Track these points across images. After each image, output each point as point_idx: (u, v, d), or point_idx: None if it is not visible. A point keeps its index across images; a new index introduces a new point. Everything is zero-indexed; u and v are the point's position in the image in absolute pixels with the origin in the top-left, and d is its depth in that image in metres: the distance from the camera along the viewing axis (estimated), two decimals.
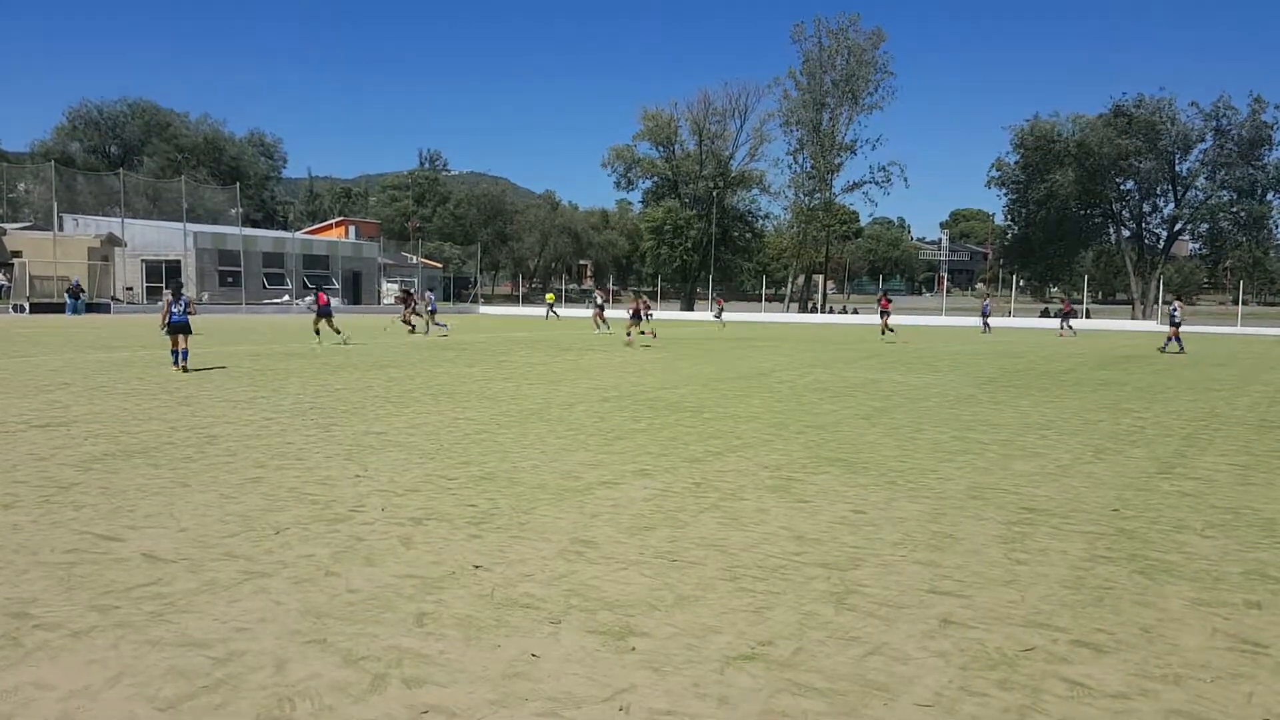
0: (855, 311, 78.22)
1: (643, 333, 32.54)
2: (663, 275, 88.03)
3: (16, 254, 57.77)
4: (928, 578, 5.89)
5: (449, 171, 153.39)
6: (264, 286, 67.69)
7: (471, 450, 9.94)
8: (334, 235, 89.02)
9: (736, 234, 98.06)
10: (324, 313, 26.96)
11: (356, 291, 73.72)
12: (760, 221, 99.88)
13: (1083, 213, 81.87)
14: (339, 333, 27.82)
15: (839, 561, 6.18)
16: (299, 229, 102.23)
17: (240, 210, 75.37)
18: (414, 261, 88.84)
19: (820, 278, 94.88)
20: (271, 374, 17.98)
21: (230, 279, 63.68)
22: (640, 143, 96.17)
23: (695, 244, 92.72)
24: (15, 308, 46.83)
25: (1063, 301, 48.19)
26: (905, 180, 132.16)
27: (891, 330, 36.54)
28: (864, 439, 10.95)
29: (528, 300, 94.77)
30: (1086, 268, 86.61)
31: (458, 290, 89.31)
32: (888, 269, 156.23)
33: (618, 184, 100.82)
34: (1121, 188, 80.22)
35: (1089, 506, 7.76)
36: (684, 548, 6.41)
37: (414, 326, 36.23)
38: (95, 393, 14.49)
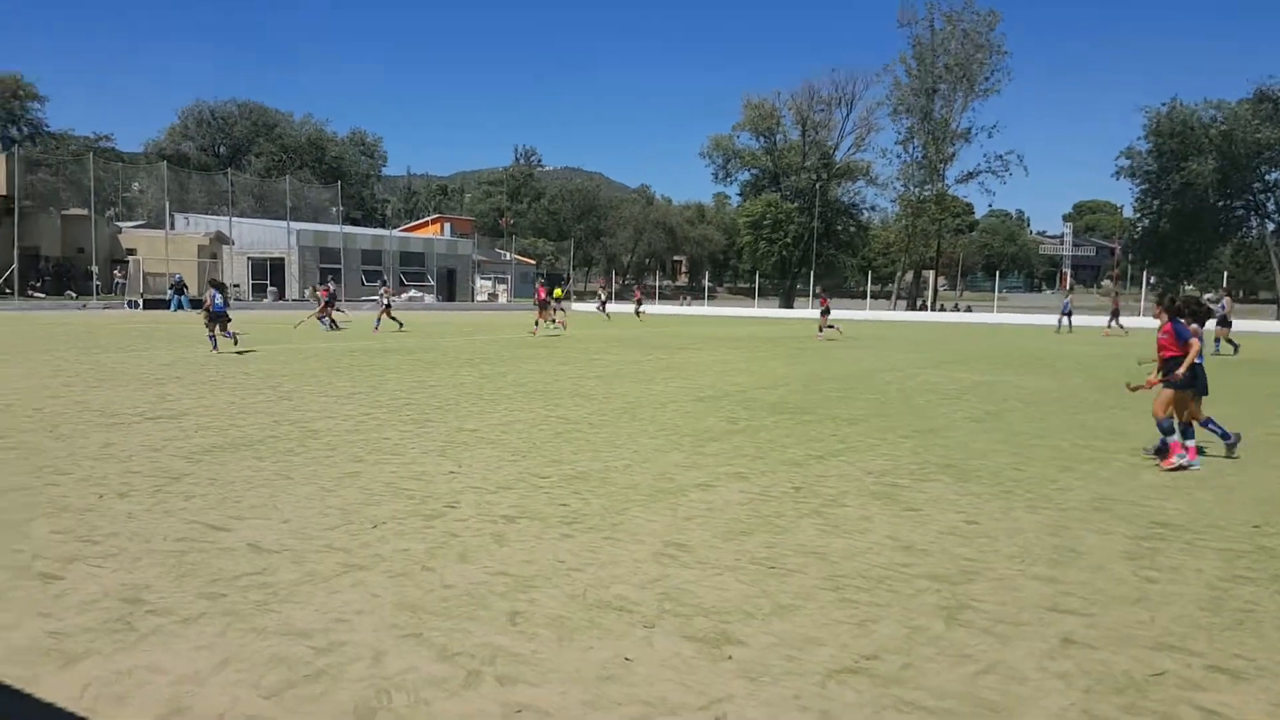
0: (968, 309, 76.05)
1: (638, 314, 32.01)
2: (760, 270, 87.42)
3: (131, 251, 60.46)
4: (1048, 594, 5.71)
5: (543, 167, 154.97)
6: (362, 284, 69.42)
7: (563, 449, 10.03)
8: (430, 232, 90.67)
9: (840, 227, 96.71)
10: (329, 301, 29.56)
11: (451, 288, 75.04)
12: (865, 214, 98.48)
13: (1222, 204, 78.16)
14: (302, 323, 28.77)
15: (950, 574, 6.04)
16: (396, 226, 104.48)
17: (341, 209, 77.41)
18: (507, 258, 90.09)
19: (930, 273, 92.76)
20: (369, 370, 18.43)
21: (330, 276, 65.40)
22: (741, 133, 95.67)
23: (796, 238, 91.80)
24: (130, 303, 48.87)
25: (1113, 299, 46.18)
26: (1025, 169, 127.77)
27: (832, 327, 35.19)
28: (977, 445, 10.70)
29: (620, 297, 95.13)
30: (1224, 263, 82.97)
31: (551, 286, 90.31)
32: (1004, 264, 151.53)
33: (716, 176, 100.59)
34: (1267, 178, 76.50)
35: (1226, 523, 7.43)
36: (782, 554, 6.36)
37: (334, 324, 33.83)
38: (203, 386, 15.06)
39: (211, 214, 74.03)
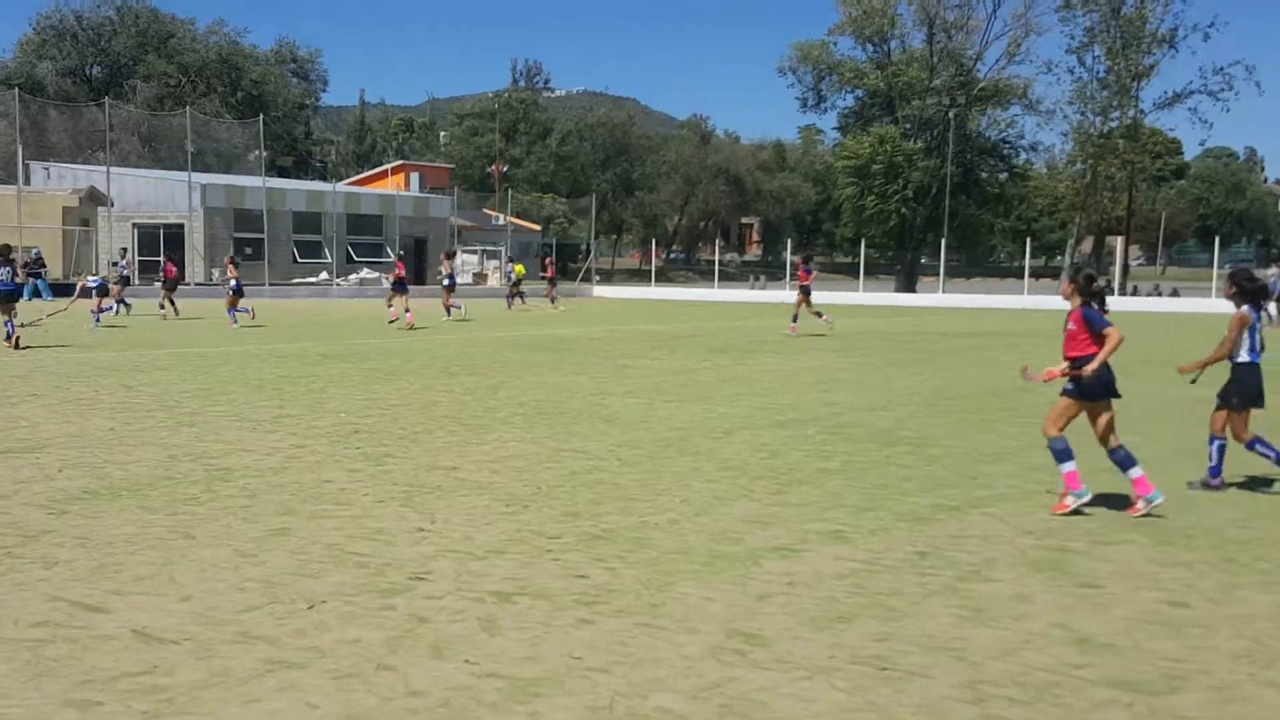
0: (1174, 293, 74.83)
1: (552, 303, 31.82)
2: (868, 238, 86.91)
3: None
4: None
5: (553, 92, 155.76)
6: (295, 259, 69.98)
7: (580, 496, 10.04)
8: (390, 186, 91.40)
9: (985, 175, 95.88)
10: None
11: (420, 264, 74.88)
12: (1023, 156, 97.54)
13: None
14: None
15: (1147, 681, 5.98)
16: (344, 178, 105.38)
17: (264, 154, 78.16)
18: (501, 222, 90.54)
19: (1118, 241, 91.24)
20: (305, 383, 18.55)
21: (250, 249, 65.96)
22: (839, 39, 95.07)
23: (920, 191, 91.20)
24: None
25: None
26: (1258, 86, 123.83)
27: (820, 316, 33.20)
28: (1184, 492, 10.57)
29: (663, 276, 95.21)
30: None
31: (563, 263, 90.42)
32: (1227, 226, 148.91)
33: (803, 103, 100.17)
34: None
35: None
36: (900, 650, 6.32)
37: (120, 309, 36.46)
38: (71, 408, 15.22)
39: (82, 163, 74.97)
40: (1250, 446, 10.49)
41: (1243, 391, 10.46)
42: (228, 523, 8.86)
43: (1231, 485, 10.80)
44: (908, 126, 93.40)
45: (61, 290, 50.73)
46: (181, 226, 65.39)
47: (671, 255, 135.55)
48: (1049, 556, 8.26)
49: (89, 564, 7.67)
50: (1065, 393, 9.73)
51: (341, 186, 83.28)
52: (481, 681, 5.79)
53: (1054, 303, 63.17)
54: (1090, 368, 9.42)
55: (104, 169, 64.61)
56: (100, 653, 6.05)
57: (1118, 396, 9.69)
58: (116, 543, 8.22)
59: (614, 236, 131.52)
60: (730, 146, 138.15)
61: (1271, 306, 11.75)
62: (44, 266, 50.99)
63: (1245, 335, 10.48)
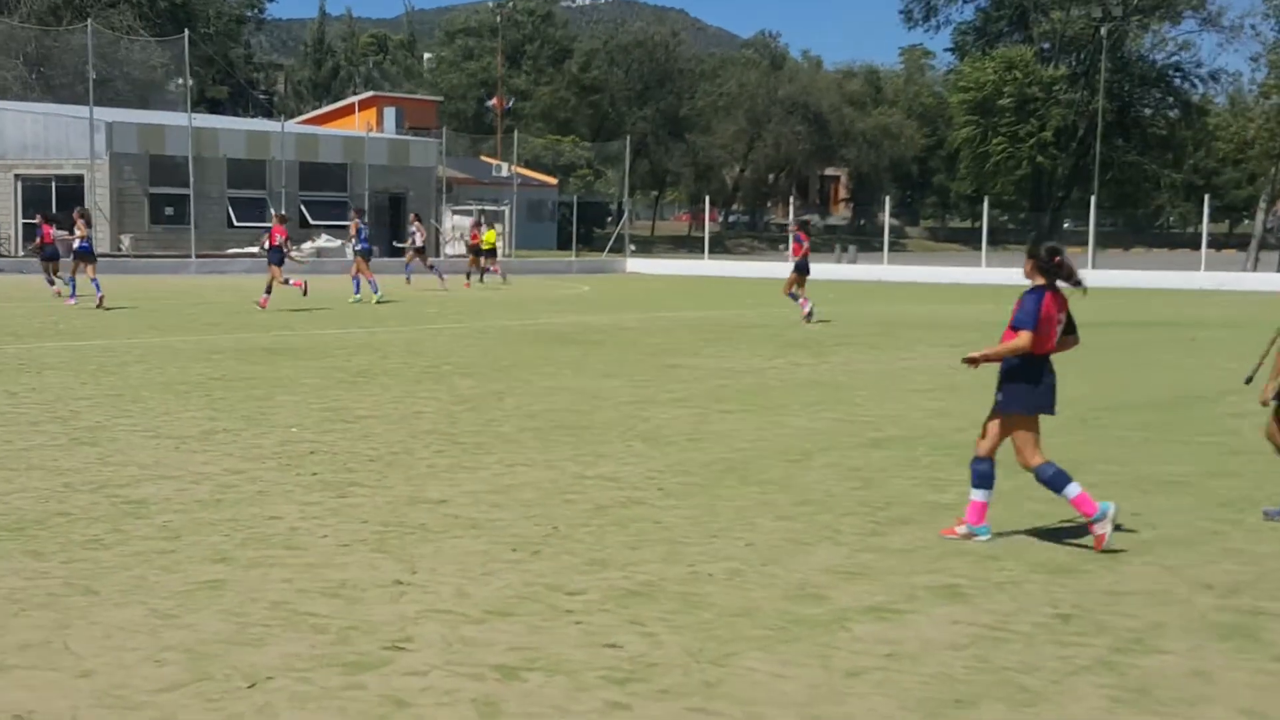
0: None
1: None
2: (992, 194, 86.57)
3: None
4: None
5: (573, 1, 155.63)
6: (230, 223, 70.15)
7: (611, 539, 10.05)
8: (358, 126, 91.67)
9: (1148, 111, 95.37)
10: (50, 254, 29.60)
11: (395, 228, 74.72)
12: (1199, 89, 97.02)
13: None
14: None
15: None
16: (296, 115, 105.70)
17: (190, 84, 78.53)
18: (505, 173, 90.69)
19: None
20: (244, 387, 18.63)
21: (171, 209, 66.18)
22: None
23: (1062, 132, 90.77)
24: None
25: None
26: None
27: (795, 298, 32.74)
28: None
29: (721, 245, 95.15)
30: None
31: (587, 227, 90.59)
32: None
33: (907, 16, 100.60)
34: None
35: None
36: None
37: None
38: None
39: None
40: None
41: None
42: (141, 573, 8.88)
43: None
44: (1045, 47, 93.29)
45: None
46: (80, 179, 65.56)
47: (731, 218, 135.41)
48: (1235, 620, 8.21)
49: None
50: (993, 410, 10.41)
51: (293, 126, 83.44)
52: None
53: (1242, 282, 62.81)
54: (973, 355, 10.38)
55: None
56: None
57: (1038, 413, 10.34)
58: None
59: (655, 193, 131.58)
60: (809, 74, 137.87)
61: None
62: None
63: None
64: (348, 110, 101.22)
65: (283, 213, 43.89)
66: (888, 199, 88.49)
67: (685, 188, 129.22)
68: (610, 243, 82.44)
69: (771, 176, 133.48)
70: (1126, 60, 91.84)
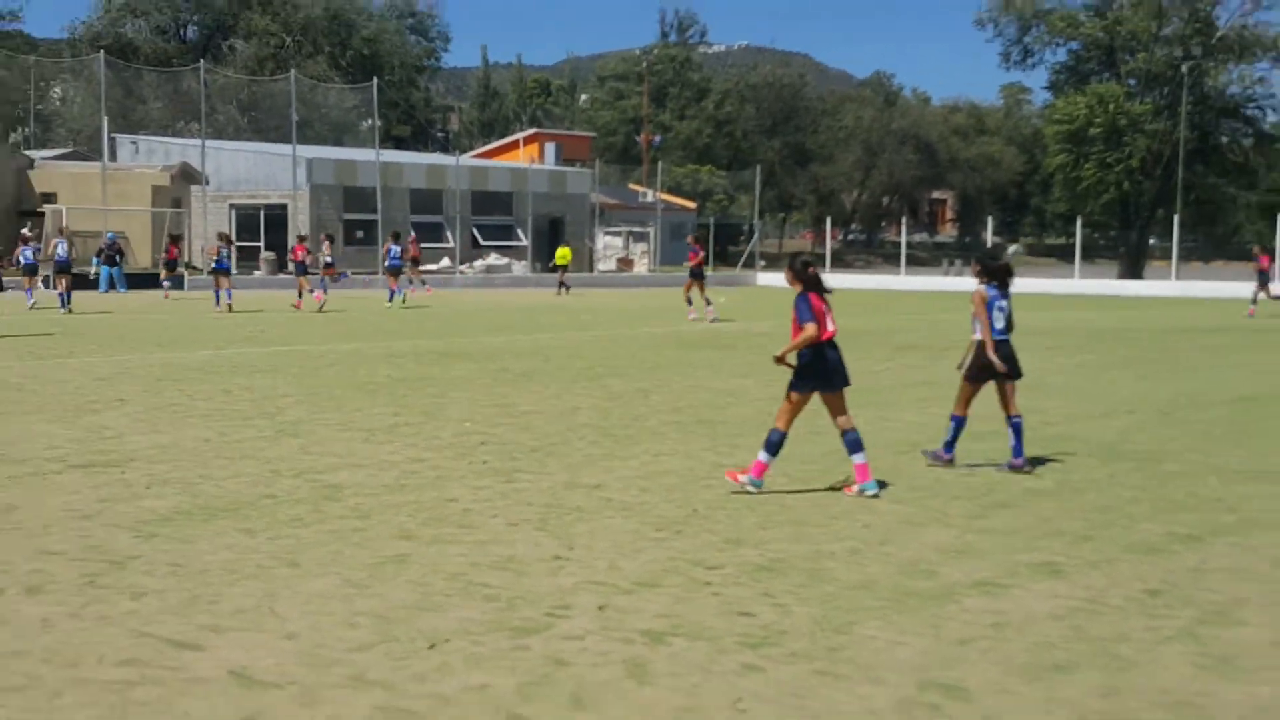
0: None
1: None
2: (1086, 215, 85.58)
3: (49, 197, 62.50)
4: None
5: (709, 47, 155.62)
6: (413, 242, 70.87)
7: (745, 520, 10.04)
8: (522, 159, 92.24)
9: (1226, 140, 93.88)
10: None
11: (554, 246, 74.97)
12: (1271, 118, 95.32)
13: None
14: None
15: None
16: (468, 150, 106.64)
17: (378, 124, 79.31)
18: (650, 198, 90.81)
19: None
20: (424, 386, 18.82)
21: (361, 232, 67.00)
22: None
23: (1148, 159, 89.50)
24: (48, 280, 50.76)
25: (1259, 256, 44.30)
26: None
27: (690, 303, 35.75)
28: None
29: (840, 261, 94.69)
30: None
31: (722, 245, 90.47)
32: None
33: (1005, 58, 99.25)
34: None
35: None
36: (1129, 707, 6.20)
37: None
38: (162, 414, 15.65)
39: (174, 136, 76.76)
40: (960, 421, 12.55)
41: (980, 364, 12.38)
42: (337, 548, 9.01)
43: None
44: (1132, 83, 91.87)
45: (142, 281, 51.93)
46: (285, 207, 66.58)
47: (849, 236, 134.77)
48: None
49: (181, 595, 7.84)
50: (790, 386, 11.05)
51: (466, 159, 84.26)
52: None
53: None
54: (778, 353, 11.05)
55: (198, 142, 65.18)
56: (193, 697, 6.16)
57: (839, 386, 11.11)
58: (212, 570, 8.39)
59: (781, 215, 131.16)
60: (919, 109, 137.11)
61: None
62: (120, 253, 52.02)
63: (986, 313, 12.20)
64: (513, 145, 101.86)
65: (302, 234, 46.69)
66: (990, 219, 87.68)
67: (809, 210, 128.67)
68: (743, 259, 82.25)
69: (885, 200, 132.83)
70: (1206, 94, 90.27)
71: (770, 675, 6.53)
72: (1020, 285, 33.69)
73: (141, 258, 60.26)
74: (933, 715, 6.05)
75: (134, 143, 73.72)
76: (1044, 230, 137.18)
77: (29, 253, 40.24)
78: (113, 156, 66.15)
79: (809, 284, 10.97)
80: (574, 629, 7.24)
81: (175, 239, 45.26)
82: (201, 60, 71.54)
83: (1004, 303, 12.38)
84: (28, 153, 71.29)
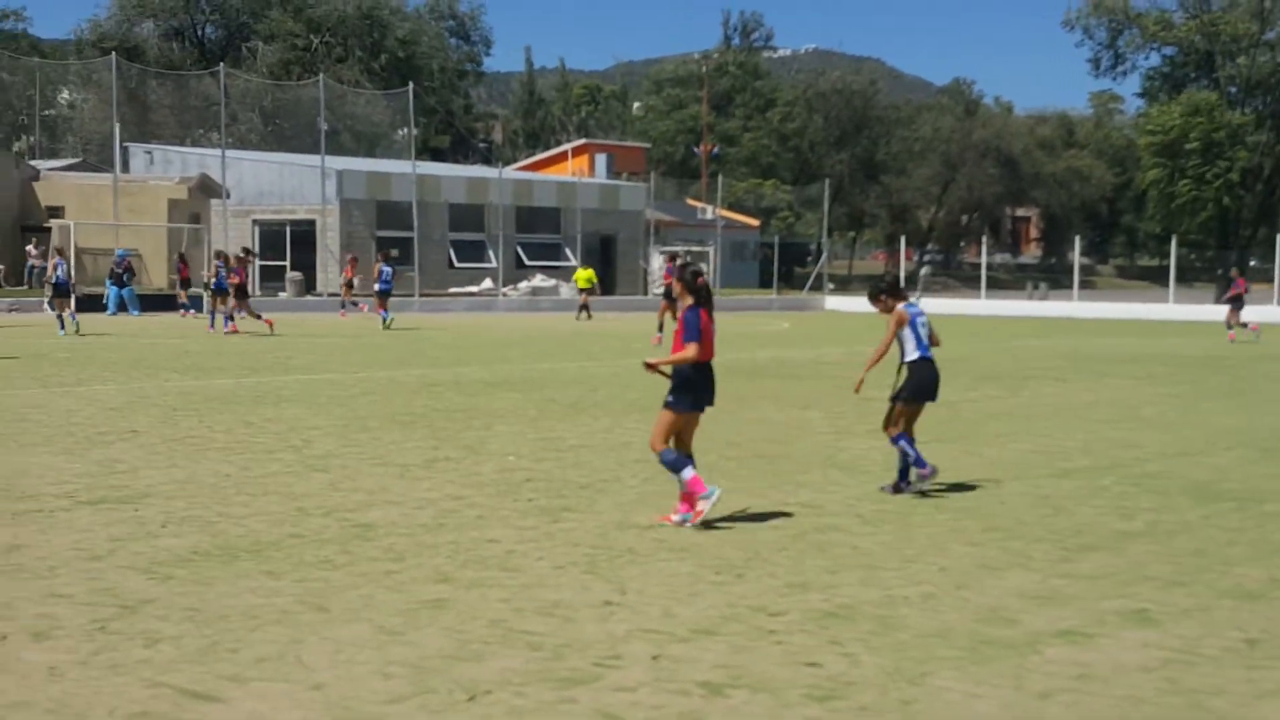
0: None
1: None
2: (1182, 233, 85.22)
3: (55, 211, 62.91)
4: None
5: (775, 52, 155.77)
6: (451, 264, 71.08)
7: (809, 562, 10.04)
8: (569, 171, 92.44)
9: None
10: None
11: (608, 269, 74.88)
12: None
13: None
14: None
15: None
16: (512, 162, 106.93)
17: (414, 133, 79.66)
18: (710, 215, 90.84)
19: None
20: (464, 418, 18.89)
21: (396, 251, 67.13)
22: None
23: (1248, 173, 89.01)
24: (53, 302, 51.20)
25: (1234, 280, 43.99)
26: None
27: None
28: None
29: (917, 284, 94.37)
30: None
31: (787, 266, 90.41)
32: None
33: (1095, 64, 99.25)
34: None
35: None
36: None
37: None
38: (179, 447, 15.76)
39: (191, 145, 77.28)
40: (895, 441, 13.01)
41: (915, 386, 13.13)
42: (369, 592, 9.06)
43: None
44: (1232, 91, 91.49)
45: (156, 303, 52.22)
46: (313, 223, 66.86)
47: (926, 257, 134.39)
48: None
49: (199, 642, 7.89)
50: (665, 404, 11.40)
51: (509, 172, 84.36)
52: None
53: None
54: (653, 361, 11.66)
55: (218, 152, 65.78)
56: None
57: (703, 408, 11.56)
58: (232, 616, 8.44)
59: (852, 234, 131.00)
60: (1002, 119, 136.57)
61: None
62: (131, 273, 52.28)
63: (909, 332, 13.00)
64: (561, 157, 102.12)
65: (224, 252, 45.77)
66: (1077, 238, 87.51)
67: (881, 228, 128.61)
68: (810, 281, 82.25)
69: (965, 217, 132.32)
70: None
71: None
72: (1110, 310, 33.93)
73: (157, 277, 60.55)
74: None
75: (148, 152, 74.22)
76: (1136, 251, 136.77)
77: (62, 271, 39.98)
78: (125, 167, 66.66)
79: (700, 297, 11.40)
80: (625, 680, 7.24)
81: (184, 257, 45.62)
82: (221, 64, 72.03)
83: (925, 317, 13.30)
84: (33, 163, 71.73)
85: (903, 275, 79.70)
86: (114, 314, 49.55)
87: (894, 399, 13.19)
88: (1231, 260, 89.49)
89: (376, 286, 45.08)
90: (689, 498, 11.26)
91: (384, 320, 43.44)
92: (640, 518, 11.65)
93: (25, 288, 57.47)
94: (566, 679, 7.25)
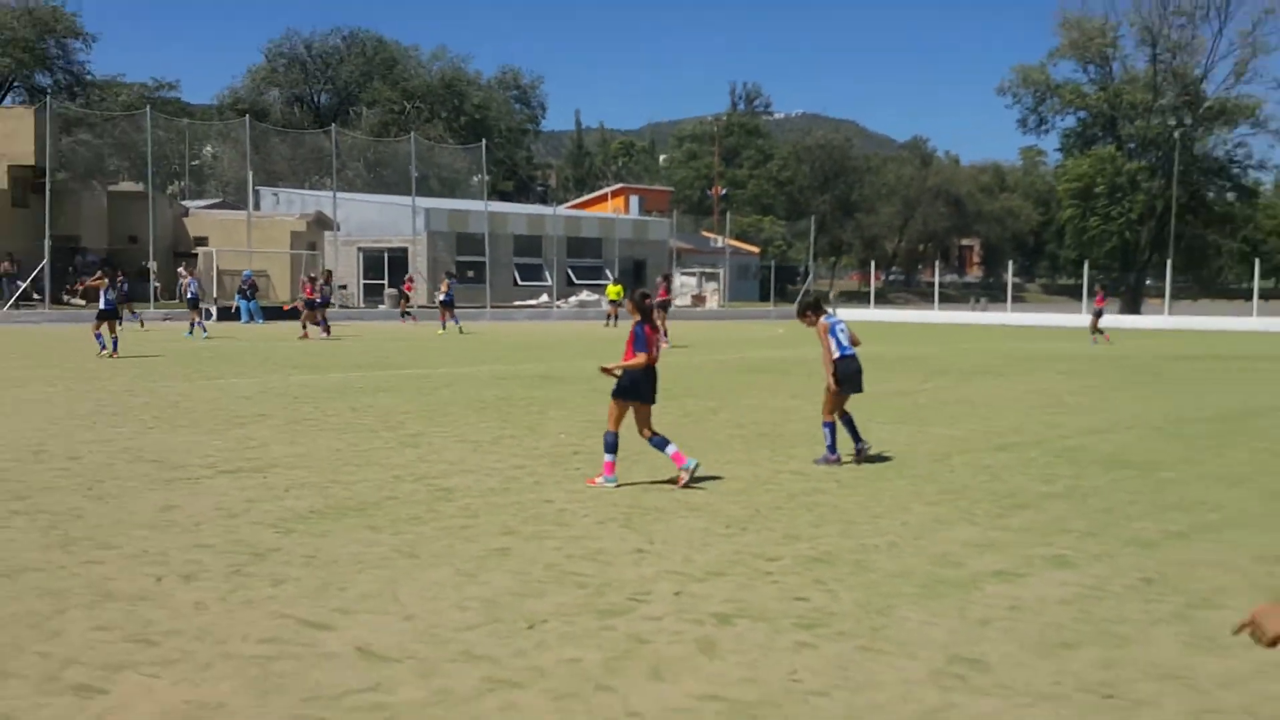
0: None
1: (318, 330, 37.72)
2: (1092, 260, 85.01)
3: (201, 240, 63.69)
4: None
5: (772, 115, 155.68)
6: (515, 283, 71.43)
7: (800, 519, 10.05)
8: (609, 209, 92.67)
9: (1212, 195, 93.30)
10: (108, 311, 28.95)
11: (639, 285, 75.86)
12: (1252, 176, 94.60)
13: None
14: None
15: None
16: (563, 202, 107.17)
17: (486, 178, 79.82)
18: (720, 244, 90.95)
19: None
20: (525, 405, 18.92)
21: (471, 272, 67.55)
22: (1059, 62, 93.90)
23: (1145, 212, 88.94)
24: (205, 312, 51.55)
25: (1097, 292, 43.84)
26: None
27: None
28: None
29: (883, 299, 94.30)
30: None
31: (781, 285, 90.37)
32: None
33: (1023, 123, 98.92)
34: None
35: None
36: (1126, 678, 6.20)
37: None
38: (299, 427, 15.82)
39: (309, 188, 77.78)
40: (828, 425, 13.09)
41: (841, 378, 13.11)
42: (449, 542, 9.10)
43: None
44: (1131, 147, 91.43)
45: (280, 314, 52.54)
46: (405, 250, 67.29)
47: (891, 277, 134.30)
48: None
49: (315, 582, 7.94)
50: (613, 394, 11.62)
51: (562, 210, 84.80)
52: (701, 704, 5.82)
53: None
54: (607, 366, 11.82)
55: (330, 194, 66.53)
56: (325, 670, 6.26)
57: (650, 401, 11.69)
58: (342, 561, 8.49)
59: (832, 259, 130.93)
60: (951, 168, 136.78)
61: None
62: (254, 288, 52.68)
63: (831, 338, 13.16)
64: (602, 198, 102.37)
65: (97, 267, 43.69)
66: (1010, 262, 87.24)
67: (855, 254, 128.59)
68: (799, 296, 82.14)
69: (921, 246, 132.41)
70: (1197, 156, 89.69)
71: (821, 651, 6.56)
72: (1037, 319, 33.82)
73: (281, 293, 61.20)
74: (959, 684, 6.07)
75: (275, 194, 74.94)
76: (1057, 272, 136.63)
77: (194, 287, 40.74)
78: (257, 206, 67.12)
79: (645, 316, 11.61)
80: (653, 612, 7.29)
81: (311, 279, 45.91)
82: (334, 124, 72.55)
83: (843, 324, 13.50)
84: (184, 203, 72.71)
85: (873, 291, 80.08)
86: (246, 322, 49.83)
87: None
88: (1130, 281, 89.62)
89: (440, 298, 44.53)
90: (611, 466, 11.52)
91: (444, 327, 43.05)
92: (665, 484, 11.66)
93: (177, 302, 58.12)
94: (607, 610, 7.30)
